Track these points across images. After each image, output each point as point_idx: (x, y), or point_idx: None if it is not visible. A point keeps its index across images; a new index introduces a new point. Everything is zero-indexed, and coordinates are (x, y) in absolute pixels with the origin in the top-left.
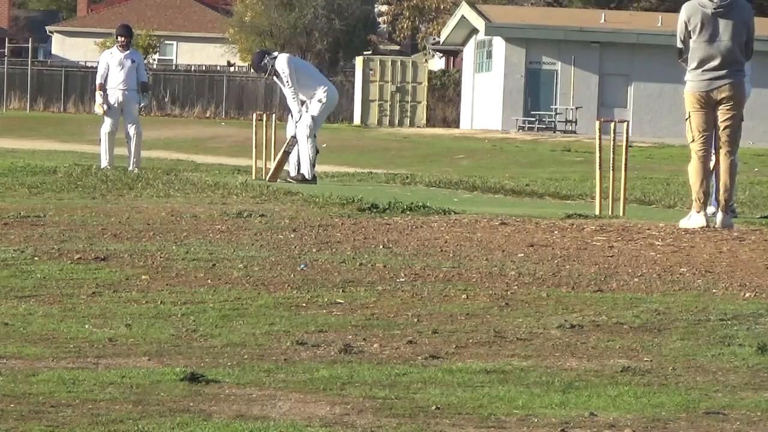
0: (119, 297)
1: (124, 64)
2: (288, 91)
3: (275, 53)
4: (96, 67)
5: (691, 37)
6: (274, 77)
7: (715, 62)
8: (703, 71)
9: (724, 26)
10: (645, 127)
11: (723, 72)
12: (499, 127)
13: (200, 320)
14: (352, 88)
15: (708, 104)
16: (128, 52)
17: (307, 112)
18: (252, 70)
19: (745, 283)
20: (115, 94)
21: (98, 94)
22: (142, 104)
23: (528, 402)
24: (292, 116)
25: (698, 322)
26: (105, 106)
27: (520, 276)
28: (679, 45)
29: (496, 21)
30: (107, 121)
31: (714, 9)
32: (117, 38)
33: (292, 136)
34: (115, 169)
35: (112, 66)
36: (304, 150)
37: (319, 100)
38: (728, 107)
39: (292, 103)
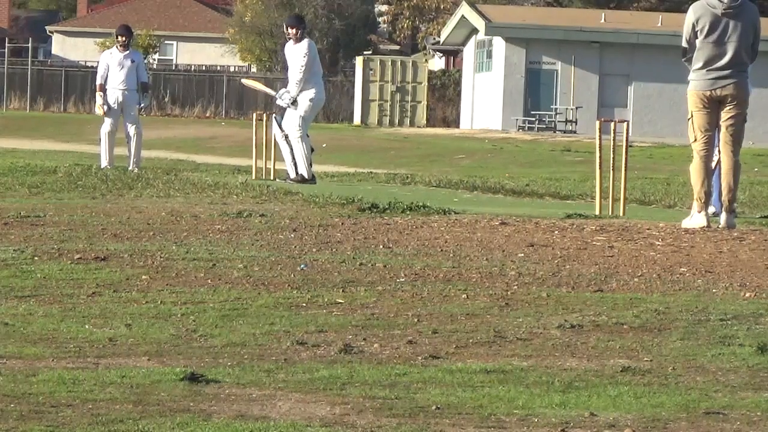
0: (119, 297)
1: (124, 64)
2: (298, 75)
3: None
4: (96, 67)
5: (697, 38)
6: (292, 46)
7: (721, 62)
8: (708, 71)
9: (733, 27)
10: (645, 127)
11: (728, 72)
12: (499, 127)
13: (200, 320)
14: (352, 88)
15: (711, 104)
16: (128, 52)
17: (295, 110)
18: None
19: (745, 283)
20: (115, 94)
21: (98, 94)
22: (143, 105)
23: (528, 402)
24: (285, 94)
25: (698, 322)
26: (105, 107)
27: (520, 276)
28: (684, 44)
29: (496, 21)
30: (107, 121)
31: (723, 10)
32: (117, 38)
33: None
34: (115, 169)
35: (112, 66)
36: (298, 151)
37: (310, 99)
38: (732, 106)
39: (294, 87)
